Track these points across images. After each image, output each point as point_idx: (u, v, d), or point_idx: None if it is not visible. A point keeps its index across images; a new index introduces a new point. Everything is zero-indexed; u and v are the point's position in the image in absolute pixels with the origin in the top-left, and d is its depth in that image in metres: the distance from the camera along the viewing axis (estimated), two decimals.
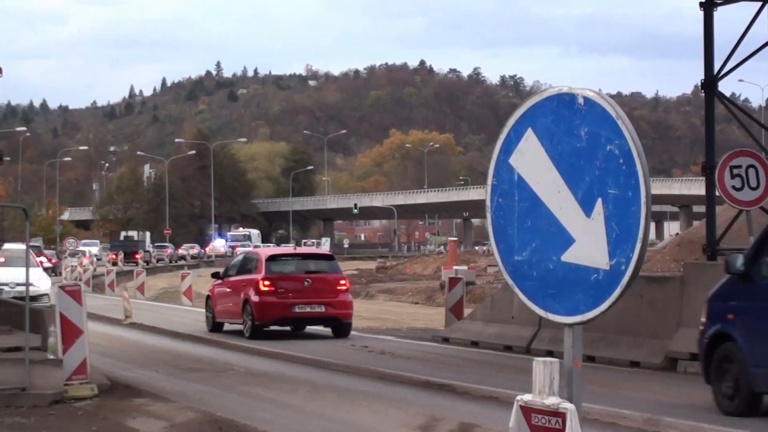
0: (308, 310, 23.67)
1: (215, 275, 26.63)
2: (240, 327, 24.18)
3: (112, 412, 13.48)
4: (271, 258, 24.46)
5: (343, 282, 24.38)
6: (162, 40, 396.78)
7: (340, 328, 24.08)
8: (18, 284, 24.31)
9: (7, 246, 35.66)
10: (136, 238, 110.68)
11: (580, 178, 5.43)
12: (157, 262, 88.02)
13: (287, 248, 33.91)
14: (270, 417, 13.36)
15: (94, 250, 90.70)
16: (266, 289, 23.56)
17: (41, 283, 26.07)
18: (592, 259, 5.39)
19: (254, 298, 23.54)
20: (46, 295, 25.37)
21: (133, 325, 27.51)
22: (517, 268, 5.73)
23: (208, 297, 26.55)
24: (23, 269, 23.63)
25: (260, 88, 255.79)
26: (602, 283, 5.36)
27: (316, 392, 15.51)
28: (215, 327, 25.60)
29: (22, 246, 29.98)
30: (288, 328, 24.60)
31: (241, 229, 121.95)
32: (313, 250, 41.65)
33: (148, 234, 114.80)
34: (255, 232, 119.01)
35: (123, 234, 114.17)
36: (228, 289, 25.14)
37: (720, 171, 19.30)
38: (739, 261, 13.13)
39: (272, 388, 16.12)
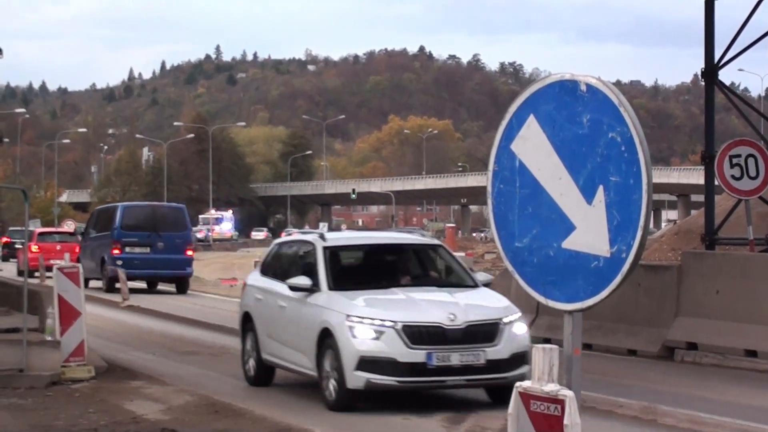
0: None
1: None
2: None
3: (109, 394, 13.50)
4: None
5: None
6: (162, 23, 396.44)
7: None
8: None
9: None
10: None
11: (582, 164, 5.41)
12: None
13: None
14: (267, 400, 13.36)
15: None
16: None
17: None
18: (592, 246, 5.37)
19: None
20: None
21: (131, 308, 27.52)
22: (518, 255, 5.72)
23: None
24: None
25: (259, 72, 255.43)
26: (603, 271, 5.35)
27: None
28: None
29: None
30: None
31: (213, 211, 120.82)
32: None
33: None
34: (228, 215, 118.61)
35: None
36: None
37: (719, 160, 19.26)
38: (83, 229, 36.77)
39: None
